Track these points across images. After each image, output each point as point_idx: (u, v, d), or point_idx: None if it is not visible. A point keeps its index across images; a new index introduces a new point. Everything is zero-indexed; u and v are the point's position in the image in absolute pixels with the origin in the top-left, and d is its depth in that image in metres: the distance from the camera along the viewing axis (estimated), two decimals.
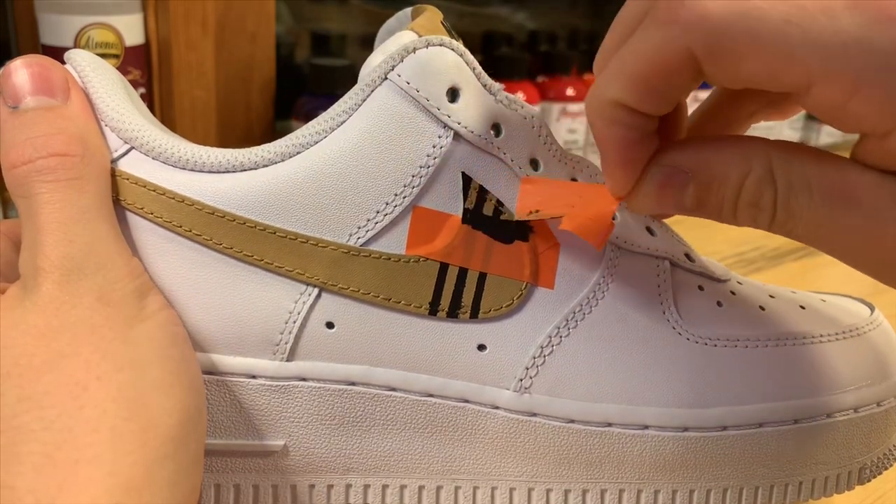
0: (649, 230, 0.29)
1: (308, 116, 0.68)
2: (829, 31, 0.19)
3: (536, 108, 0.28)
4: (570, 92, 0.86)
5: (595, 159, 0.28)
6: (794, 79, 0.20)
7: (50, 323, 0.22)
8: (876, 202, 0.21)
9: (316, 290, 0.26)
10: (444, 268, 0.26)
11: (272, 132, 0.68)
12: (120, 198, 0.26)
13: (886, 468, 0.31)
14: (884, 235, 0.21)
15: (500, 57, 0.85)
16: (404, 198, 0.26)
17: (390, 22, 0.31)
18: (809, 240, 0.23)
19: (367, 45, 0.33)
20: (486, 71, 0.27)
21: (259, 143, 0.26)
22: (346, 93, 0.26)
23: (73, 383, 0.21)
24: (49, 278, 0.22)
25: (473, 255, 0.26)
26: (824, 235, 0.22)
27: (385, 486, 0.28)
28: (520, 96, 0.81)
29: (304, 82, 0.71)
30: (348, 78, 0.67)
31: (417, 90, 0.25)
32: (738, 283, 0.31)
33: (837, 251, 0.22)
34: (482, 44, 0.95)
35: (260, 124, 0.66)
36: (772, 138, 0.23)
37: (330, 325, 0.26)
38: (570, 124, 0.87)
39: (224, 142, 0.65)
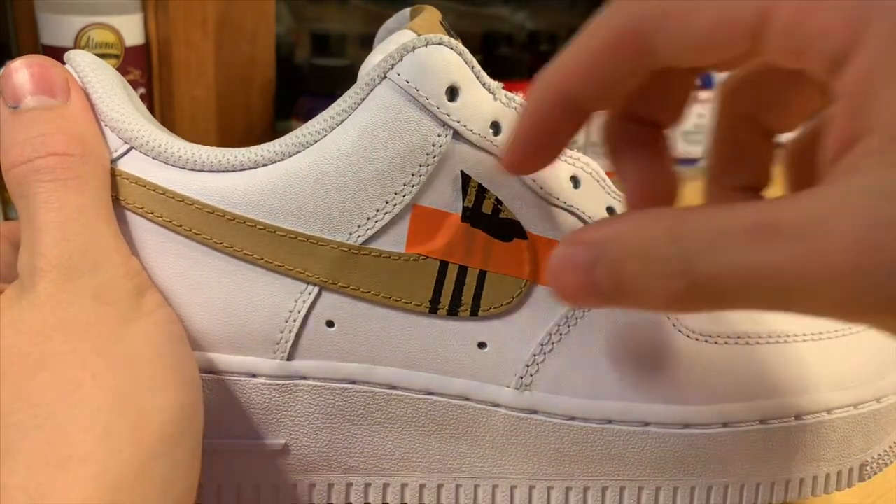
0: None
1: (308, 116, 0.68)
2: None
3: None
4: None
5: (595, 159, 0.28)
6: (749, 13, 0.19)
7: (46, 321, 0.22)
8: (810, 215, 0.17)
9: (316, 289, 0.26)
10: (444, 266, 0.26)
11: (272, 132, 0.68)
12: (120, 197, 0.26)
13: (887, 465, 0.31)
14: (826, 248, 0.17)
15: (500, 57, 0.85)
16: (404, 196, 0.26)
17: (389, 22, 0.31)
18: (746, 296, 0.19)
19: (367, 45, 0.33)
20: (485, 71, 0.27)
21: (259, 143, 0.26)
22: (345, 93, 0.26)
23: (68, 381, 0.21)
24: (46, 277, 0.22)
25: (473, 253, 0.26)
26: (758, 282, 0.18)
27: (386, 485, 0.28)
28: (520, 96, 0.81)
29: (304, 82, 0.71)
30: (348, 78, 0.67)
31: (417, 89, 0.25)
32: None
33: (777, 295, 0.18)
34: (482, 44, 0.95)
35: (260, 124, 0.66)
36: None
37: (330, 324, 0.26)
38: None
39: (224, 142, 0.65)
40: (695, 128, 1.02)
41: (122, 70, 0.55)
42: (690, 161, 1.05)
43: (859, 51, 0.17)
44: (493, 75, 0.27)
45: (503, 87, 0.27)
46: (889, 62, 0.17)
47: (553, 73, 0.22)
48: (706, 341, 0.28)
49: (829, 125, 0.19)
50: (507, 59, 0.84)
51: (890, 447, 0.30)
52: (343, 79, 0.67)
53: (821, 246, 0.17)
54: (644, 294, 0.20)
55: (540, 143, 0.24)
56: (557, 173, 0.28)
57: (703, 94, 1.00)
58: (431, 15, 0.28)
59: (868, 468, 0.30)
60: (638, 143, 0.25)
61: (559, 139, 0.24)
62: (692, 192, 0.26)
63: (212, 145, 0.27)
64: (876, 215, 0.16)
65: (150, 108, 0.60)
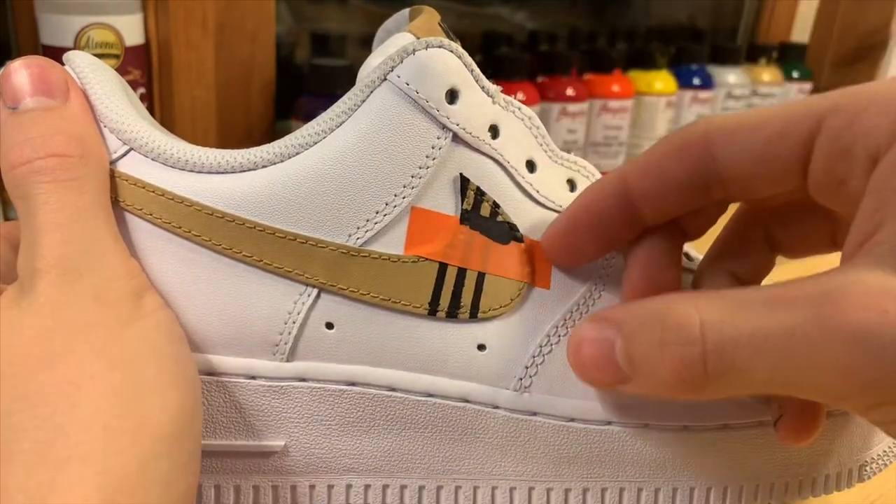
0: None
1: (308, 116, 0.68)
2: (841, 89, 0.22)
3: (532, 111, 0.28)
4: (569, 92, 0.86)
5: (596, 160, 0.28)
6: (805, 123, 0.21)
7: (45, 323, 0.22)
8: (825, 288, 0.18)
9: (315, 291, 0.26)
10: (442, 268, 0.26)
11: (272, 132, 0.68)
12: (119, 199, 0.26)
13: (886, 465, 0.31)
14: (836, 314, 0.18)
15: (499, 57, 0.85)
16: (403, 198, 0.26)
17: (388, 23, 0.31)
18: (758, 360, 0.19)
19: (367, 45, 0.33)
20: (485, 71, 0.27)
21: (259, 144, 0.26)
22: (345, 93, 0.26)
23: (67, 382, 0.21)
24: (45, 279, 0.22)
25: (471, 255, 0.26)
26: (772, 345, 0.19)
27: (385, 486, 0.28)
28: (519, 96, 0.81)
29: (304, 82, 0.71)
30: (348, 78, 0.67)
31: (417, 91, 0.25)
32: None
33: (788, 359, 0.19)
34: (482, 44, 0.95)
35: (260, 124, 0.66)
36: None
37: (329, 326, 0.26)
38: (570, 124, 0.87)
39: (224, 142, 0.65)
40: None
41: (122, 70, 0.55)
42: None
43: (892, 149, 0.19)
44: (493, 75, 0.28)
45: (502, 90, 0.28)
46: None
47: (621, 167, 0.25)
48: None
49: (855, 224, 0.20)
50: (507, 59, 0.84)
51: (889, 448, 0.30)
52: (343, 79, 0.67)
53: (833, 311, 0.18)
54: (658, 366, 0.21)
55: (586, 228, 0.25)
56: (554, 177, 0.28)
57: (703, 94, 1.00)
58: (430, 16, 0.28)
59: (867, 469, 0.30)
60: (657, 237, 0.26)
61: (605, 231, 0.25)
62: None
63: (212, 145, 0.27)
64: (882, 287, 0.18)
65: (150, 108, 0.60)
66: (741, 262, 0.27)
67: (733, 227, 0.28)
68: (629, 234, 0.26)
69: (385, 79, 0.25)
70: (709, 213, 0.26)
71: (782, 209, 0.27)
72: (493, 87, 0.27)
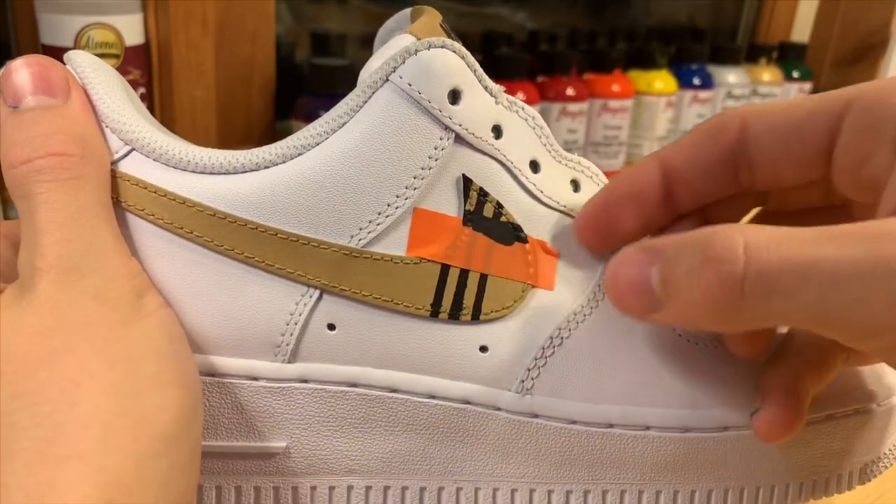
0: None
1: (308, 116, 0.68)
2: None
3: (535, 111, 0.28)
4: (569, 92, 0.86)
5: (596, 160, 0.28)
6: (832, 106, 0.23)
7: (45, 321, 0.22)
8: (876, 228, 0.19)
9: (317, 292, 0.26)
10: (445, 269, 0.26)
11: (272, 132, 0.68)
12: (120, 199, 0.26)
13: (887, 467, 0.31)
14: (886, 250, 0.19)
15: (500, 57, 0.85)
16: (406, 199, 0.26)
17: (389, 23, 0.31)
18: (800, 288, 0.19)
19: (367, 45, 0.33)
20: (485, 71, 0.27)
21: (259, 143, 0.26)
22: (345, 93, 0.26)
23: (67, 380, 0.21)
24: (46, 277, 0.22)
25: (474, 256, 0.26)
26: (817, 272, 0.19)
27: (387, 488, 0.28)
28: (520, 96, 0.81)
29: (304, 82, 0.71)
30: (348, 78, 0.67)
31: (419, 92, 0.25)
32: None
33: (832, 289, 0.19)
34: (482, 44, 0.95)
35: (260, 124, 0.66)
36: None
37: (331, 327, 0.26)
38: (570, 124, 0.87)
39: (224, 142, 0.65)
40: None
41: (122, 70, 0.55)
42: None
43: None
44: (494, 75, 0.27)
45: (504, 90, 0.27)
46: None
47: (662, 148, 0.26)
48: (706, 345, 0.28)
49: (886, 194, 0.21)
50: (507, 59, 0.84)
51: (890, 450, 0.30)
52: (343, 79, 0.67)
53: (890, 247, 0.19)
54: (694, 287, 0.20)
55: (624, 203, 0.26)
56: (557, 177, 0.28)
57: (703, 94, 1.00)
58: (432, 17, 0.28)
59: (869, 471, 0.30)
60: (685, 226, 0.27)
61: (641, 209, 0.26)
62: None
63: (212, 145, 0.27)
64: None
65: (150, 108, 0.60)
66: None
67: None
68: (663, 218, 0.26)
69: (387, 79, 0.25)
70: (734, 209, 0.27)
71: (802, 214, 0.27)
72: (497, 87, 0.27)
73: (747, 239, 0.20)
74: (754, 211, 0.28)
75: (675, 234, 0.22)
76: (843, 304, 0.19)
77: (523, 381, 0.27)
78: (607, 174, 0.29)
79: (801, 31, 1.23)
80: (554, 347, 0.27)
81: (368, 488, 0.28)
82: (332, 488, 0.28)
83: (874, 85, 0.22)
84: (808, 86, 1.11)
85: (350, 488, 0.28)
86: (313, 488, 0.28)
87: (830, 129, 0.22)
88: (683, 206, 0.26)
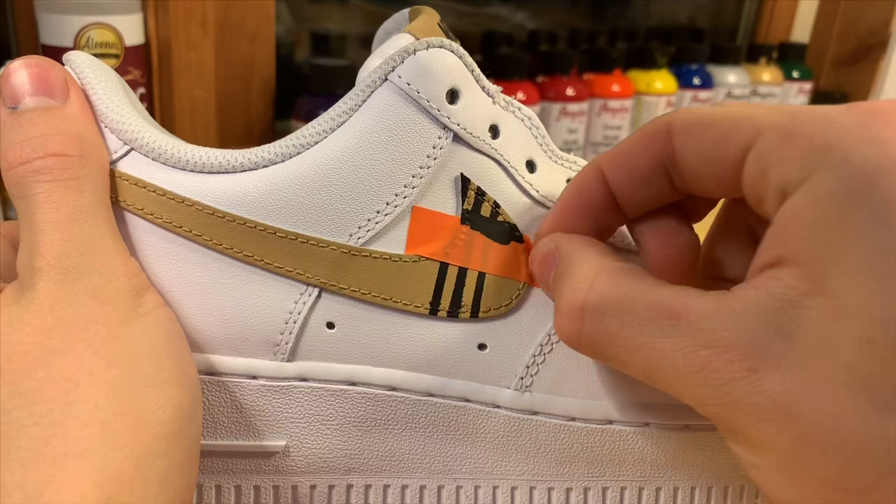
0: None
1: (308, 116, 0.68)
2: (794, 106, 0.21)
3: (532, 112, 0.28)
4: (569, 92, 0.87)
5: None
6: (746, 134, 0.21)
7: (44, 320, 0.22)
8: (705, 322, 0.19)
9: (316, 291, 0.26)
10: (443, 267, 0.26)
11: (272, 132, 0.68)
12: (120, 199, 0.26)
13: None
14: (707, 362, 0.19)
15: (500, 57, 0.85)
16: (404, 198, 0.26)
17: (388, 23, 0.31)
18: (619, 364, 0.22)
19: (367, 45, 0.33)
20: (485, 71, 0.27)
21: (259, 143, 0.26)
22: (345, 93, 0.26)
23: (65, 379, 0.21)
24: (45, 277, 0.22)
25: (472, 255, 0.26)
26: (644, 355, 0.21)
27: (386, 486, 0.28)
28: (520, 96, 0.81)
29: (304, 82, 0.71)
30: (348, 78, 0.67)
31: (418, 91, 0.25)
32: None
33: (655, 373, 0.21)
34: (482, 44, 0.95)
35: (260, 124, 0.66)
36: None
37: (330, 326, 0.26)
38: (570, 124, 0.87)
39: (224, 142, 0.65)
40: None
41: (122, 70, 0.55)
42: None
43: (802, 190, 0.19)
44: (494, 75, 0.27)
45: (502, 90, 0.28)
46: (817, 212, 0.18)
47: (597, 156, 0.25)
48: None
49: (760, 248, 0.20)
50: (507, 59, 0.84)
51: None
52: (343, 79, 0.67)
53: (698, 345, 0.19)
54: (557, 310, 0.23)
55: (578, 216, 0.26)
56: (553, 176, 0.28)
57: (703, 94, 1.00)
58: (430, 17, 0.28)
59: None
60: (661, 211, 0.26)
61: (595, 219, 0.26)
62: None
63: (212, 145, 0.27)
64: (745, 332, 0.19)
65: (150, 108, 0.60)
66: (730, 259, 0.27)
67: (718, 223, 0.27)
68: (618, 222, 0.26)
69: (386, 79, 0.25)
70: (702, 199, 0.26)
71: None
72: (494, 88, 0.27)
73: (594, 294, 0.22)
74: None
75: (573, 240, 0.25)
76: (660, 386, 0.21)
77: (522, 379, 0.27)
78: None
79: (801, 31, 1.23)
80: (552, 344, 0.27)
81: (368, 487, 0.28)
82: (331, 487, 0.28)
83: (786, 119, 0.20)
84: (808, 85, 1.11)
85: (350, 487, 0.28)
86: (313, 487, 0.28)
87: (739, 158, 0.21)
88: (631, 212, 0.25)
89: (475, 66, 0.27)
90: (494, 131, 0.27)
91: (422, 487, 0.28)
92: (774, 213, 0.20)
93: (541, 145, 0.28)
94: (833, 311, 0.18)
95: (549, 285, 0.25)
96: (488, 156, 0.27)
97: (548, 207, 0.28)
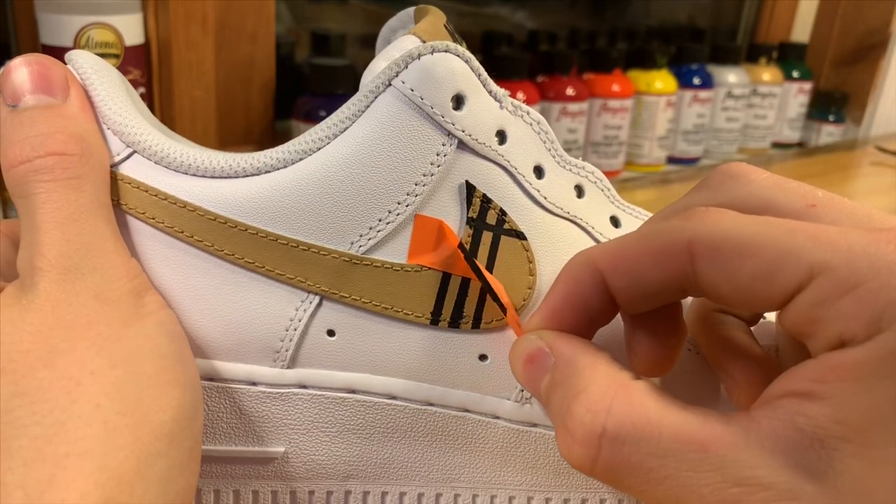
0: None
1: (308, 116, 0.68)
2: (836, 233, 0.19)
3: (541, 116, 0.28)
4: (569, 92, 0.87)
5: (595, 160, 0.28)
6: (793, 273, 0.19)
7: (46, 320, 0.22)
8: (735, 456, 0.19)
9: (317, 298, 0.26)
10: (446, 277, 0.26)
11: (272, 132, 0.68)
12: (121, 202, 0.25)
13: None
14: (738, 500, 0.18)
15: (500, 57, 0.85)
16: (407, 206, 0.26)
17: (392, 21, 0.31)
18: (640, 494, 0.20)
19: (367, 45, 0.33)
20: (485, 70, 0.27)
21: (259, 143, 0.26)
22: (345, 93, 0.26)
23: (67, 378, 0.21)
24: (46, 277, 0.22)
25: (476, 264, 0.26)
26: (667, 487, 0.19)
27: (384, 493, 0.28)
28: (520, 96, 0.81)
29: (304, 82, 0.71)
30: (348, 78, 0.67)
31: (422, 97, 0.25)
32: None
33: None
34: (482, 43, 0.95)
35: (260, 124, 0.66)
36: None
37: (331, 333, 0.26)
38: (570, 124, 0.87)
39: (224, 141, 0.65)
40: (694, 127, 1.02)
41: (122, 70, 0.55)
42: (690, 161, 1.05)
43: (866, 345, 0.18)
44: (494, 75, 0.27)
45: (509, 94, 0.27)
46: (877, 368, 0.18)
47: (590, 252, 0.23)
48: (697, 353, 0.28)
49: (787, 374, 0.20)
50: (507, 58, 0.84)
51: None
52: (343, 79, 0.67)
53: (728, 482, 0.18)
54: (567, 434, 0.21)
55: (570, 318, 0.24)
56: (562, 182, 0.28)
57: (703, 94, 1.00)
58: (436, 18, 0.28)
59: None
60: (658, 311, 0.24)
61: (588, 317, 0.24)
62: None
63: (212, 145, 0.27)
64: (777, 471, 0.18)
65: (150, 108, 0.60)
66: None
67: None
68: (612, 316, 0.24)
69: (389, 84, 0.25)
70: None
71: None
72: (502, 92, 0.27)
73: (614, 424, 0.20)
74: None
75: (575, 346, 0.23)
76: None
77: (522, 391, 0.27)
78: (608, 174, 0.29)
79: (801, 31, 1.23)
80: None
81: (366, 494, 0.28)
82: (329, 493, 0.28)
83: (843, 263, 0.19)
84: (807, 85, 1.12)
85: (347, 493, 0.28)
86: (311, 493, 0.28)
87: (786, 297, 0.20)
88: (631, 311, 0.24)
89: (482, 70, 0.26)
90: (501, 137, 0.26)
91: (419, 495, 0.28)
92: (822, 351, 0.19)
93: (549, 150, 0.28)
94: (871, 461, 0.17)
95: (538, 390, 0.23)
96: (494, 162, 0.26)
97: (556, 214, 0.27)
